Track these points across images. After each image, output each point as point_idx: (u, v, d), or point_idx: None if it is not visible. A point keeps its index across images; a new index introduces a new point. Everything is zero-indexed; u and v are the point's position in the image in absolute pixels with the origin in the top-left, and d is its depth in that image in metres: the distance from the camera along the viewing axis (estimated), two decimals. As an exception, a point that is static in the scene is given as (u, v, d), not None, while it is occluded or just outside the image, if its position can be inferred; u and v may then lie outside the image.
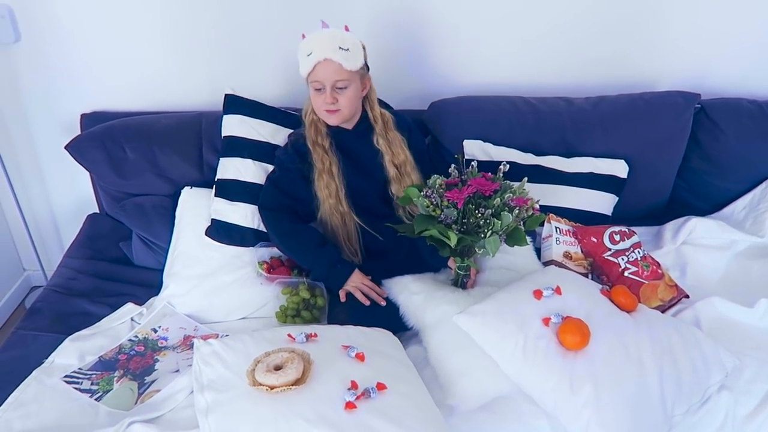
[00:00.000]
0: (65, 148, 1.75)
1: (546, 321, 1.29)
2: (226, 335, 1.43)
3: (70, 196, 2.18)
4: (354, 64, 1.49)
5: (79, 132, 1.88)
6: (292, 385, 1.13)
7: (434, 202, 1.38)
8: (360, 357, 1.23)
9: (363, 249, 1.65)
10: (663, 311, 1.55)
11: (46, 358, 1.41)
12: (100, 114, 1.93)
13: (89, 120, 1.91)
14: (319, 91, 1.51)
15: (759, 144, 1.92)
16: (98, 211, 2.03)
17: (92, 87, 1.96)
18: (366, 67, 1.56)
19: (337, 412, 1.10)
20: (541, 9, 1.93)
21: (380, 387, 1.16)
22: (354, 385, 1.15)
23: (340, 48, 1.46)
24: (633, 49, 2.02)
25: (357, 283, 1.54)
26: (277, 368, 1.16)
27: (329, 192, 1.58)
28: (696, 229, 1.83)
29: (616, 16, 1.95)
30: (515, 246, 1.42)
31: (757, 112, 1.94)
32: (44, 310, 1.57)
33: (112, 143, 1.75)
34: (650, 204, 2.00)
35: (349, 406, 1.11)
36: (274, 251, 1.68)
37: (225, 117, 1.73)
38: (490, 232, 1.32)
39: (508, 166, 1.44)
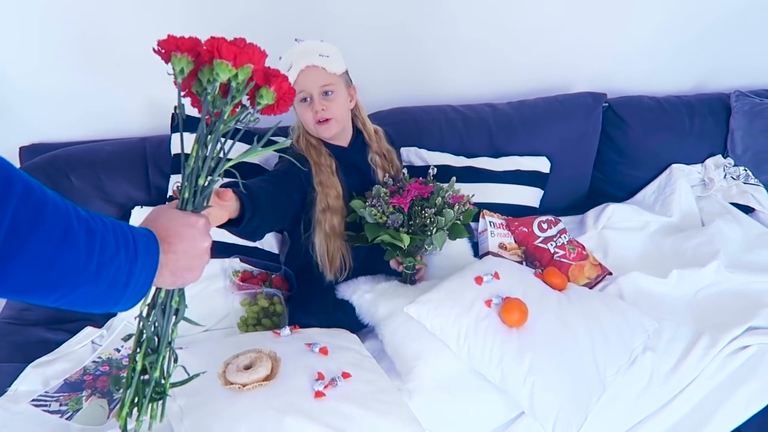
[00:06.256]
0: (8, 180, 1.75)
1: (488, 303, 1.42)
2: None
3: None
4: (337, 68, 1.48)
5: (18, 165, 1.88)
6: (263, 381, 1.21)
7: (381, 210, 1.47)
8: (324, 351, 1.32)
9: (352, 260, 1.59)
10: (590, 287, 1.71)
11: (9, 386, 1.40)
12: (38, 146, 1.93)
13: (28, 152, 1.91)
14: (306, 103, 1.48)
15: (660, 135, 2.16)
16: (42, 243, 2.02)
17: (29, 120, 1.95)
18: (349, 77, 1.56)
19: (308, 401, 1.18)
20: (466, 25, 2.09)
21: (345, 375, 1.25)
22: (320, 376, 1.23)
23: (320, 55, 1.45)
24: (548, 58, 2.22)
25: None
26: (247, 368, 1.23)
27: (336, 192, 1.52)
28: (614, 214, 2.03)
29: (532, 29, 2.15)
30: (456, 239, 1.55)
31: (656, 107, 2.18)
32: (-1, 342, 1.57)
33: (56, 172, 1.76)
34: (572, 195, 2.20)
35: (318, 394, 1.19)
36: (245, 266, 1.70)
37: (174, 135, 1.77)
38: (435, 229, 1.45)
39: (435, 169, 1.58)
